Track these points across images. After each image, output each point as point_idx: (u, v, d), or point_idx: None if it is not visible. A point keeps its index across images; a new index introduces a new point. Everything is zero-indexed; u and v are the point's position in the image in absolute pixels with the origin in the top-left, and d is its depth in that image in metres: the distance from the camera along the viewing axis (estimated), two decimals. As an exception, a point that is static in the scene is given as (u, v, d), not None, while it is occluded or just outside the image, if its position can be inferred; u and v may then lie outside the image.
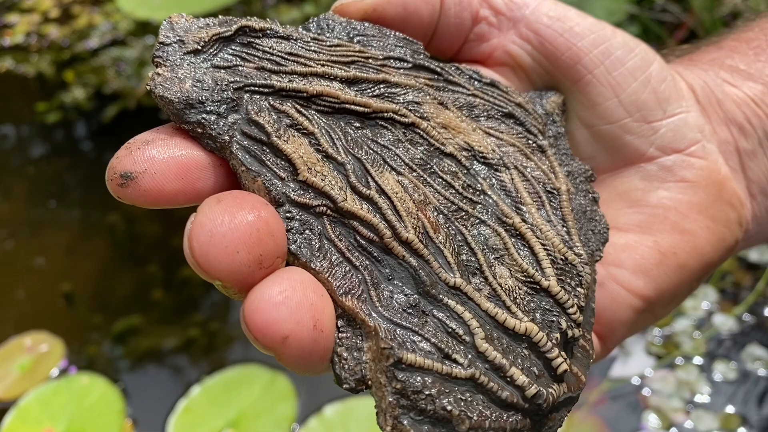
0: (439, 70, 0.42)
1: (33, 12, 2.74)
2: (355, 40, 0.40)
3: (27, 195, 2.08)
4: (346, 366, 0.32)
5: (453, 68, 0.43)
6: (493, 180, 0.39)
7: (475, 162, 0.39)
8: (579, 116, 0.46)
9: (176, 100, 0.33)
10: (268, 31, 0.37)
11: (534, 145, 0.42)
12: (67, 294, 1.71)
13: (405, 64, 0.41)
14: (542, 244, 0.37)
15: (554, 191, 0.40)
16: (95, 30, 2.57)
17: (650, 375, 1.37)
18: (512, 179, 0.39)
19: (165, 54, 0.35)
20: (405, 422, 0.31)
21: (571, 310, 0.35)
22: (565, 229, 0.39)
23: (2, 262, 1.84)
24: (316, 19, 0.40)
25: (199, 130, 0.34)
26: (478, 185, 0.38)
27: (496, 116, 0.42)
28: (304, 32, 0.39)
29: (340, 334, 0.32)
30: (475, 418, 0.31)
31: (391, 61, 0.40)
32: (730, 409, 1.31)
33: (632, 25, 2.07)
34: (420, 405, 0.31)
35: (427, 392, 0.31)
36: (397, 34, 0.42)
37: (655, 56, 0.48)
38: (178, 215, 1.92)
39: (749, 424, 1.28)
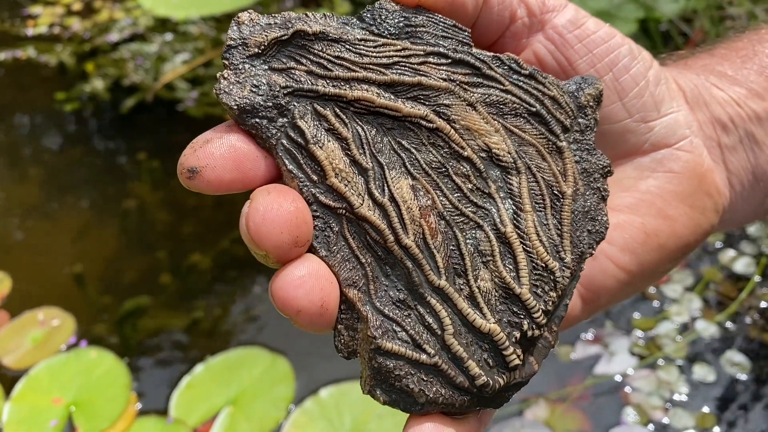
0: (478, 64, 0.44)
1: (56, 4, 2.83)
2: (404, 32, 0.43)
3: (43, 181, 2.16)
4: (343, 340, 0.41)
5: (494, 60, 0.45)
6: (503, 183, 0.44)
7: (491, 164, 0.44)
8: None
9: (235, 106, 0.40)
10: (320, 35, 0.42)
11: (553, 146, 0.45)
12: (77, 275, 1.77)
13: (445, 60, 0.44)
14: (527, 252, 0.43)
15: (559, 194, 0.44)
16: (116, 24, 2.66)
17: (632, 374, 1.43)
18: (520, 183, 0.44)
19: (230, 56, 0.40)
20: (377, 391, 0.41)
21: (536, 315, 0.42)
22: (558, 232, 0.44)
23: (17, 244, 1.91)
24: (370, 8, 0.43)
25: (253, 132, 0.40)
26: (487, 188, 0.43)
27: (523, 114, 0.45)
28: (356, 25, 0.43)
29: (341, 315, 0.41)
30: (431, 395, 0.40)
31: (432, 57, 0.44)
32: (706, 409, 1.37)
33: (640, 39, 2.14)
34: (390, 381, 0.40)
35: (396, 372, 0.40)
36: (445, 22, 0.44)
37: (653, 62, 0.54)
38: (187, 205, 1.99)
39: (724, 423, 1.35)
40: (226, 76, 0.40)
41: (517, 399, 1.41)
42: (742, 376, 1.42)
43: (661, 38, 2.08)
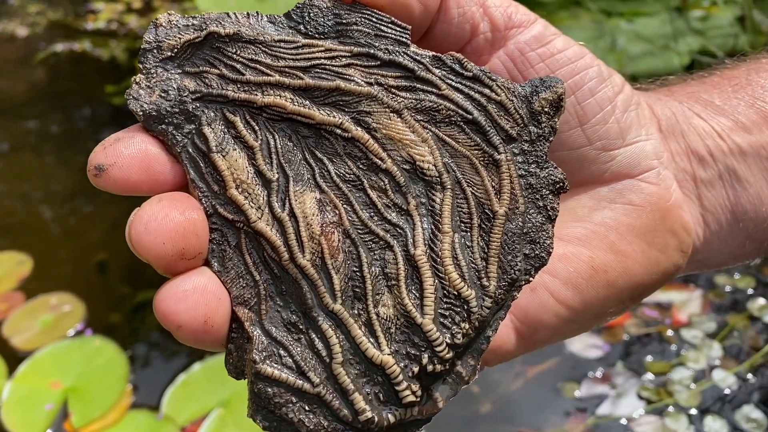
0: (412, 66, 0.41)
1: (118, 1, 2.91)
2: (334, 31, 0.41)
3: (85, 168, 2.21)
4: (231, 360, 0.40)
5: (433, 61, 0.41)
6: (426, 199, 0.40)
7: (415, 177, 0.40)
8: None
9: (141, 113, 0.39)
10: (235, 36, 0.40)
11: (489, 158, 0.41)
12: (100, 263, 1.80)
13: (374, 61, 0.41)
14: (439, 278, 0.39)
15: (490, 214, 0.41)
16: (171, 24, 2.72)
17: (638, 418, 1.36)
18: (442, 201, 0.40)
19: (144, 60, 0.39)
20: (258, 417, 0.39)
21: (438, 348, 0.39)
22: (484, 255, 0.40)
23: (48, 228, 1.96)
24: (300, 6, 0.41)
25: (161, 138, 0.39)
26: (406, 205, 0.40)
27: (458, 122, 0.41)
28: (284, 24, 0.41)
29: (232, 334, 0.39)
30: (311, 426, 0.38)
31: (360, 58, 0.41)
32: (712, 464, 1.29)
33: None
34: (269, 408, 0.38)
35: (276, 400, 0.38)
36: (382, 18, 0.41)
37: (624, 86, 0.49)
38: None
39: (729, 482, 1.26)
40: (138, 80, 0.39)
41: (512, 432, 1.35)
42: (758, 434, 1.33)
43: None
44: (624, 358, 1.47)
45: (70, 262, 1.82)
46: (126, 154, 0.38)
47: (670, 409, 1.37)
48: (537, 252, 0.41)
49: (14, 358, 1.52)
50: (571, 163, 0.49)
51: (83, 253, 1.84)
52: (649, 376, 1.43)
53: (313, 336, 0.39)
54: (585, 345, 1.48)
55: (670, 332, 1.50)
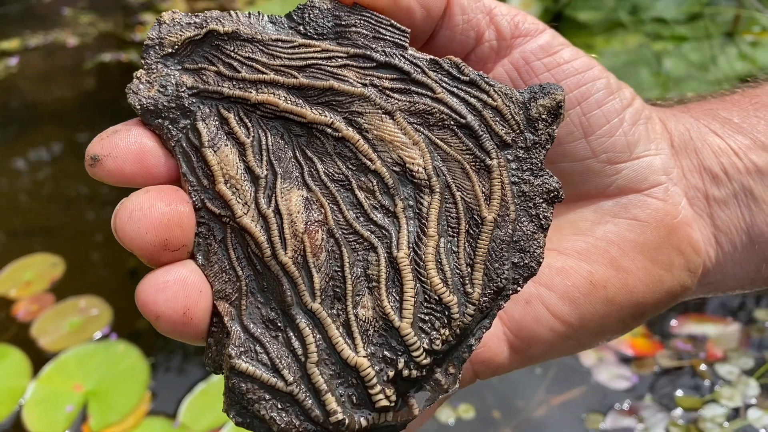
0: (407, 68, 0.41)
1: (167, 14, 2.98)
2: (333, 32, 0.41)
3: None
4: (210, 354, 0.40)
5: (430, 64, 0.41)
6: (414, 202, 0.40)
7: (404, 179, 0.40)
8: None
9: (138, 106, 0.40)
10: (233, 34, 0.41)
11: (481, 164, 0.41)
12: (132, 269, 1.82)
13: (370, 62, 0.41)
14: (421, 282, 0.39)
15: (479, 219, 0.40)
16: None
17: (665, 455, 1.30)
18: (430, 204, 0.40)
19: (147, 56, 0.40)
20: (232, 412, 0.39)
21: (415, 353, 0.38)
22: (469, 261, 0.40)
23: (84, 233, 1.99)
24: (301, 7, 0.42)
25: (157, 132, 0.40)
26: (393, 206, 0.40)
27: (451, 126, 0.41)
28: (284, 25, 0.42)
29: (213, 328, 0.39)
30: (283, 425, 0.38)
31: (356, 59, 0.41)
32: (742, 508, 1.22)
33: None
34: (243, 403, 0.38)
35: (249, 396, 0.38)
36: (381, 21, 0.41)
37: (634, 100, 0.48)
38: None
39: None
40: (139, 75, 0.40)
41: (532, 461, 1.31)
42: (794, 479, 1.26)
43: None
44: (653, 391, 1.41)
45: (102, 267, 1.85)
46: (121, 146, 0.39)
47: (700, 447, 1.31)
48: (526, 261, 0.41)
49: (40, 359, 1.54)
50: (575, 175, 0.47)
51: (116, 259, 1.87)
52: (679, 411, 1.37)
53: (291, 334, 0.39)
54: (612, 375, 1.43)
55: (703, 366, 1.44)
